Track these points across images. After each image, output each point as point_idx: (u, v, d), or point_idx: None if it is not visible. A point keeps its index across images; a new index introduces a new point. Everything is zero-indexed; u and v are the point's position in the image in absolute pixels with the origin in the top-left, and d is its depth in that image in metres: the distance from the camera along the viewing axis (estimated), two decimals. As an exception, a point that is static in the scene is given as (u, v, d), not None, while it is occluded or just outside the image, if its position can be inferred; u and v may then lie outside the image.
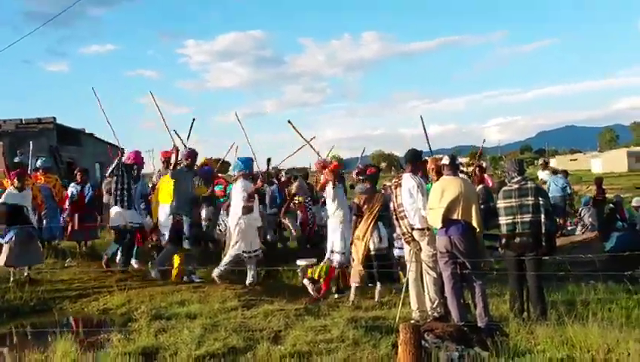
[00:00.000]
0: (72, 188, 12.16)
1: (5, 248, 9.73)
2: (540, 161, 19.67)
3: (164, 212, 10.09)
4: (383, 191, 9.44)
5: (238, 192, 9.68)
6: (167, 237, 9.95)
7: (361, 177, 9.87)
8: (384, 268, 8.59)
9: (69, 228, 11.97)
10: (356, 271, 8.67)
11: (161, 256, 10.05)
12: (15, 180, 9.94)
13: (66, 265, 11.31)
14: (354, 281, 8.73)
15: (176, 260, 10.00)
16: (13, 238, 9.63)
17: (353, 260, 8.79)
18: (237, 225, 9.60)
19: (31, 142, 14.37)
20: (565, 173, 18.21)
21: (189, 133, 10.96)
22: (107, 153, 13.81)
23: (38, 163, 12.83)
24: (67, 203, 12.02)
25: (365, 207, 8.69)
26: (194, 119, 11.00)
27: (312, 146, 10.69)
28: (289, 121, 10.40)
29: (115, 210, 10.32)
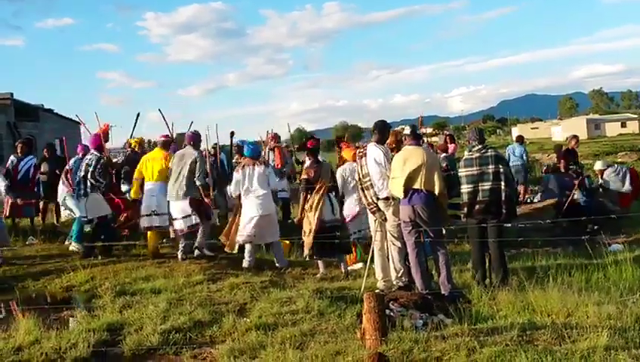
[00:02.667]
0: (9, 162, 11.87)
1: None
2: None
3: (151, 190, 9.84)
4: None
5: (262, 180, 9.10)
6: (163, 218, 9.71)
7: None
8: (340, 239, 8.63)
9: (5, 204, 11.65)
10: (307, 243, 8.71)
11: (201, 238, 9.61)
12: None
13: (27, 242, 11.15)
14: (307, 253, 8.79)
15: (151, 236, 9.86)
16: None
17: (304, 233, 8.80)
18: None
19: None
20: (521, 139, 18.47)
21: (134, 126, 10.86)
22: (66, 129, 13.58)
23: None
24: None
25: (315, 179, 8.70)
26: (138, 113, 10.93)
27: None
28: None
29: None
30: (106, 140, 10.61)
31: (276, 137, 13.13)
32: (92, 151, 9.92)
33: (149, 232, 9.91)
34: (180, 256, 9.39)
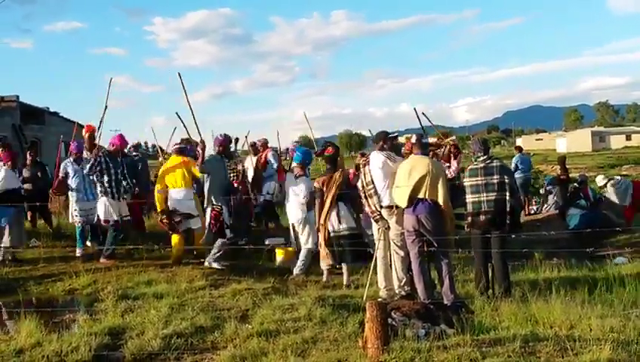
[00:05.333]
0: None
1: (7, 229, 9.72)
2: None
3: (177, 197, 9.78)
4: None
5: (299, 188, 9.37)
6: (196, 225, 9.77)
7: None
8: (352, 248, 8.61)
9: None
10: (323, 254, 8.80)
11: (218, 250, 9.50)
12: (9, 161, 9.92)
13: (30, 245, 11.16)
14: (324, 265, 8.89)
15: (175, 242, 9.73)
16: (12, 219, 9.72)
17: (320, 244, 8.88)
18: (304, 220, 9.40)
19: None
20: (520, 149, 18.55)
21: (101, 119, 10.90)
22: (72, 132, 13.39)
23: None
24: None
25: (325, 188, 8.71)
26: (106, 106, 10.93)
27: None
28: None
29: (104, 202, 9.85)
30: (93, 140, 10.51)
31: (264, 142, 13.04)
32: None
33: (174, 237, 9.79)
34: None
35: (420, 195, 7.05)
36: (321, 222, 8.67)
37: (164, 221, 9.88)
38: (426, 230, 7.07)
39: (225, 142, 9.88)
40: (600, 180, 14.78)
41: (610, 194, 13.87)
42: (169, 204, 9.80)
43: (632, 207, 13.65)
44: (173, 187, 9.79)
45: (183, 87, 9.64)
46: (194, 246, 10.06)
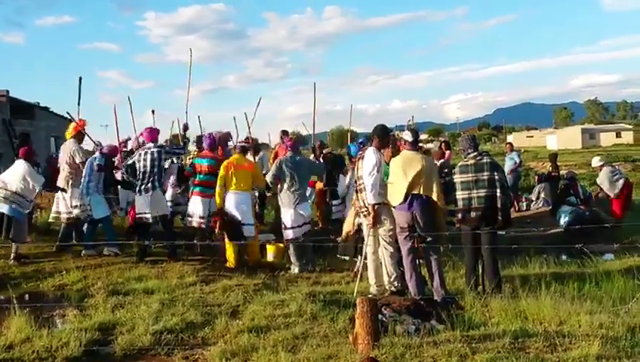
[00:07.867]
0: None
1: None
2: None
3: (236, 200, 9.38)
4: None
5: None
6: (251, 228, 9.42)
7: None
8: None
9: None
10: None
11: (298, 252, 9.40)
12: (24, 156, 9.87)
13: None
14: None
15: (229, 253, 9.41)
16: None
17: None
18: None
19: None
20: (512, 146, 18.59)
21: (79, 94, 10.78)
22: (62, 127, 13.31)
23: None
24: None
25: None
26: (80, 78, 10.88)
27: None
28: None
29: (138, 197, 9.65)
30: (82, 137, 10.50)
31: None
32: (149, 144, 9.76)
33: (228, 248, 9.45)
34: (293, 269, 9.32)
35: (415, 191, 7.08)
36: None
37: (217, 221, 9.41)
38: (419, 226, 7.09)
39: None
40: (596, 161, 14.70)
41: (603, 179, 13.80)
42: (225, 206, 9.36)
43: (621, 204, 13.68)
44: (235, 189, 9.40)
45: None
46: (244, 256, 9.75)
